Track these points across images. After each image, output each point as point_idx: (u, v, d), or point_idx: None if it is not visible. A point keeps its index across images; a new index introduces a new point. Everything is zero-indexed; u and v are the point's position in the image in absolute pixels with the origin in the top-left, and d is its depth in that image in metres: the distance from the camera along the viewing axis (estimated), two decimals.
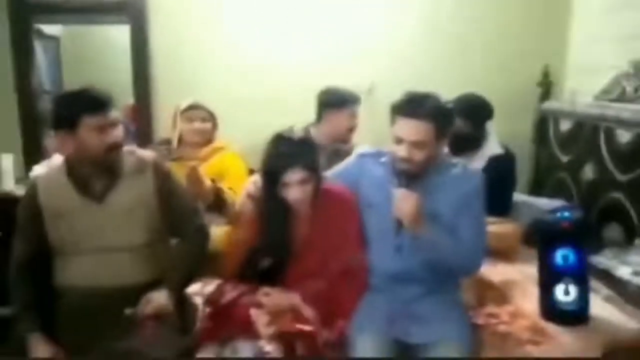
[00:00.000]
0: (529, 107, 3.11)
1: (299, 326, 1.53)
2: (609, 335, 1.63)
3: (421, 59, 3.05)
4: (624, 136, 2.35)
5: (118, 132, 1.60)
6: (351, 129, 2.59)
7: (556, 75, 3.05)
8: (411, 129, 1.59)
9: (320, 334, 1.53)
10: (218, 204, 2.12)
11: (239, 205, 1.84)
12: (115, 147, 1.60)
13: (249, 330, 1.54)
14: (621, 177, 2.36)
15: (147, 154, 1.77)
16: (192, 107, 2.44)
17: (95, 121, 1.54)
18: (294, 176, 1.62)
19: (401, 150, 1.62)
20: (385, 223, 1.66)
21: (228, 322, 1.59)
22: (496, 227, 2.30)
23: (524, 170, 2.95)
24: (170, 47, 3.01)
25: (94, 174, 1.63)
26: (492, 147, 2.53)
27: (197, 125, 2.43)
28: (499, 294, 1.94)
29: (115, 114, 1.60)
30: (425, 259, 1.65)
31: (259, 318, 1.54)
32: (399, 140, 1.62)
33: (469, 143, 2.50)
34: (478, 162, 2.51)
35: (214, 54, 3.03)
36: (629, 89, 2.40)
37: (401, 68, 3.01)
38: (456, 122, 2.46)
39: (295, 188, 1.63)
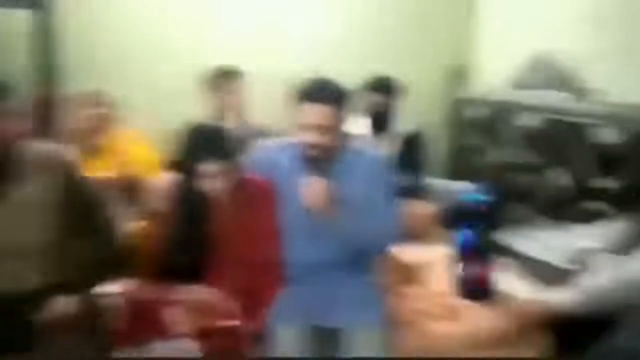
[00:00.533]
0: (444, 94, 3.22)
1: (219, 321, 1.50)
2: (515, 307, 1.73)
3: (337, 47, 3.07)
4: (532, 120, 2.50)
5: (14, 124, 1.47)
6: (228, 107, 2.53)
7: (469, 64, 3.18)
8: (317, 114, 1.61)
9: (242, 327, 1.51)
10: (132, 196, 2.03)
11: (152, 200, 1.76)
12: (10, 140, 1.47)
13: (167, 330, 1.49)
14: (528, 159, 2.52)
15: (50, 147, 1.64)
16: (88, 93, 2.35)
17: None
18: (209, 168, 1.57)
19: (309, 137, 1.63)
20: (298, 212, 1.67)
21: (145, 323, 1.52)
22: (412, 208, 2.38)
23: (438, 155, 3.07)
24: (80, 33, 2.82)
25: None
26: (404, 125, 2.61)
27: (95, 111, 2.33)
28: (414, 274, 2.01)
29: (9, 104, 1.46)
30: (339, 243, 1.67)
31: (178, 316, 1.49)
32: (305, 127, 1.63)
33: (388, 121, 2.58)
34: (393, 140, 2.59)
35: (127, 41, 2.87)
36: (534, 76, 2.55)
37: (317, 55, 3.01)
38: (374, 97, 2.56)
39: (211, 180, 1.59)
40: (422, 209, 2.41)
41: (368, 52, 3.05)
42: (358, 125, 2.65)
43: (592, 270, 1.80)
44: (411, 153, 2.59)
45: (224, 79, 2.54)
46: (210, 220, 1.67)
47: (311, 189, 1.60)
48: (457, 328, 1.72)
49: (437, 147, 3.02)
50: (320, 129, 1.62)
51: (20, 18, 2.75)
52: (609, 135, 2.02)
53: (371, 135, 2.61)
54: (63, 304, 1.48)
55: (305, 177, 1.63)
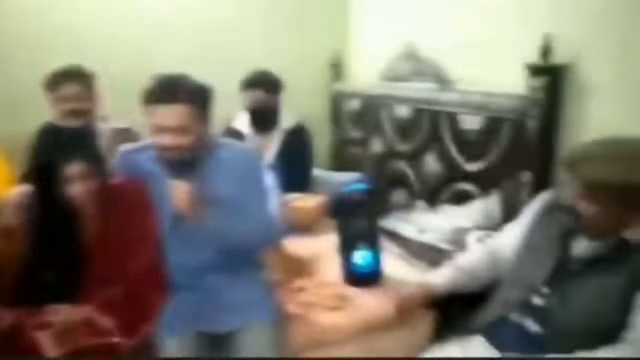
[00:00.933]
0: (322, 87, 3.28)
1: (96, 340, 1.38)
2: (400, 291, 1.80)
3: (215, 36, 2.98)
4: (403, 111, 2.62)
5: None
6: (71, 113, 2.12)
7: (344, 57, 3.26)
8: (170, 115, 1.50)
9: (122, 343, 1.40)
10: None
11: (3, 216, 1.56)
12: None
13: (37, 356, 1.33)
14: (402, 148, 2.65)
15: None
16: None
17: None
18: (73, 169, 1.45)
19: (165, 139, 1.53)
20: (167, 217, 1.59)
21: (11, 351, 1.35)
22: (299, 202, 2.40)
23: (321, 148, 3.12)
24: None
25: None
26: (286, 121, 2.62)
27: None
28: (304, 267, 2.03)
29: None
30: (215, 246, 1.61)
31: (46, 340, 1.34)
32: (160, 129, 1.53)
33: (271, 117, 2.56)
34: (278, 136, 2.58)
35: None
36: (404, 69, 2.67)
37: (185, 46, 2.90)
38: (254, 95, 2.52)
39: (76, 184, 1.46)
40: (308, 202, 2.43)
41: (242, 48, 3.00)
42: (241, 123, 2.61)
43: (466, 248, 1.93)
44: (296, 147, 2.60)
45: (64, 80, 2.16)
46: (78, 231, 1.53)
47: (174, 192, 1.52)
48: (345, 317, 1.75)
49: (320, 140, 3.06)
50: (175, 130, 1.51)
51: None
52: (470, 122, 2.18)
53: (254, 132, 2.57)
54: None
55: (167, 180, 1.54)
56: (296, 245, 2.09)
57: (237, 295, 1.62)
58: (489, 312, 1.48)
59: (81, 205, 1.50)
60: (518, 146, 1.96)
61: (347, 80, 3.24)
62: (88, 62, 2.28)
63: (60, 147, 1.45)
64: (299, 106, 2.81)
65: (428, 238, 2.16)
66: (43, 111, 2.10)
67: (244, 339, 1.53)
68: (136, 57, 2.76)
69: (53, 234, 1.50)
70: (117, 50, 2.76)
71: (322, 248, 2.16)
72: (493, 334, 1.45)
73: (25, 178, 1.54)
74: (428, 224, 2.24)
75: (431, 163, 2.44)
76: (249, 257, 1.73)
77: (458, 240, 2.03)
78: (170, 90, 1.50)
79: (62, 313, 1.42)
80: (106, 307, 1.46)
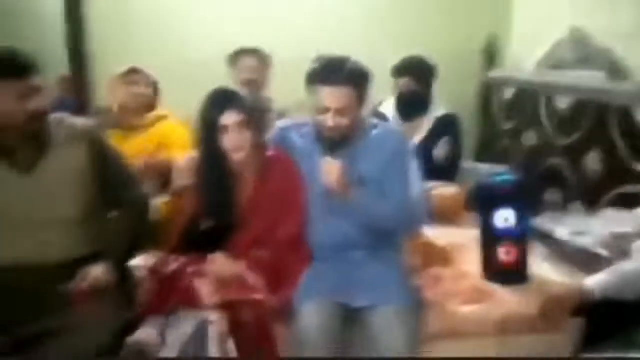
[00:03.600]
0: (474, 75, 3.15)
1: (245, 295, 1.50)
2: (546, 292, 1.69)
3: (365, 22, 3.02)
4: (566, 102, 2.42)
5: (42, 99, 1.49)
6: (245, 82, 2.57)
7: (500, 44, 3.09)
8: (334, 96, 1.57)
9: (267, 302, 1.51)
10: (162, 174, 2.06)
11: (179, 175, 1.78)
12: (39, 115, 1.49)
13: (193, 301, 1.49)
14: (561, 142, 2.44)
15: (80, 122, 1.67)
16: (132, 72, 2.35)
17: (14, 87, 1.43)
18: (230, 118, 1.58)
19: (328, 120, 1.60)
20: (316, 193, 1.66)
21: (171, 293, 1.53)
22: (441, 190, 2.35)
23: (468, 138, 3.01)
24: (108, 12, 2.87)
25: (20, 144, 1.52)
26: (437, 110, 2.56)
27: (137, 89, 2.34)
28: (442, 256, 1.99)
29: (38, 80, 1.49)
30: (359, 224, 1.65)
31: (203, 287, 1.50)
32: (324, 110, 1.60)
33: (417, 105, 2.53)
34: (426, 124, 2.54)
35: (153, 20, 2.91)
36: (568, 56, 2.46)
37: (343, 31, 2.97)
38: (402, 83, 2.51)
39: (232, 133, 1.59)
40: (452, 191, 2.37)
41: (398, 33, 2.99)
42: (388, 108, 2.62)
43: (628, 256, 1.74)
44: (445, 137, 2.54)
45: (243, 57, 2.62)
46: (236, 191, 1.67)
47: (327, 170, 1.58)
48: (484, 311, 1.69)
49: (468, 131, 2.95)
50: (338, 111, 1.58)
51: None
52: None
53: (399, 118, 2.57)
54: (95, 274, 1.51)
55: (321, 158, 1.61)
56: (437, 234, 2.06)
57: (375, 274, 1.64)
58: None
59: (236, 158, 1.62)
60: None
61: (502, 67, 3.06)
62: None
63: (219, 100, 1.60)
64: (450, 93, 2.73)
65: (584, 242, 1.98)
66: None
67: (378, 317, 1.55)
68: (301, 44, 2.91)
69: (214, 187, 1.65)
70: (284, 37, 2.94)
71: (463, 239, 2.10)
72: None
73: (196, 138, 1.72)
74: (585, 227, 2.05)
75: (594, 161, 2.22)
76: (389, 238, 1.75)
77: (618, 247, 1.83)
78: (335, 71, 1.57)
79: (219, 265, 1.57)
80: (255, 266, 1.58)
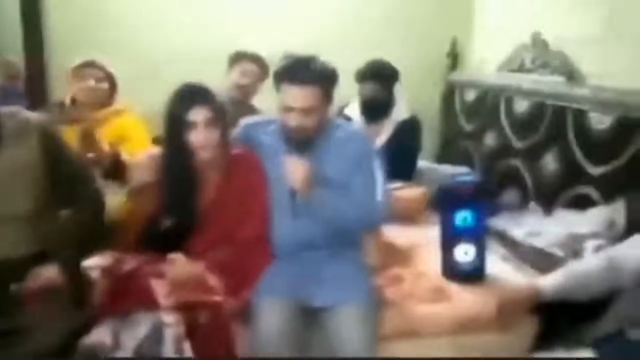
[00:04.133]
0: (438, 77, 3.19)
1: (202, 296, 1.47)
2: (503, 291, 1.73)
3: (330, 26, 3.02)
4: (524, 105, 2.47)
5: None
6: (239, 87, 2.58)
7: (463, 47, 3.14)
8: (299, 95, 1.56)
9: (225, 303, 1.49)
10: (116, 170, 1.99)
11: (137, 170, 1.73)
12: None
13: (149, 302, 1.45)
14: (518, 144, 2.50)
15: (33, 115, 1.60)
16: (87, 65, 2.24)
17: None
18: (199, 114, 1.54)
19: (292, 119, 1.59)
20: (280, 191, 1.65)
21: (127, 294, 1.49)
22: (404, 191, 2.37)
23: (430, 139, 3.05)
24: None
25: None
26: (400, 112, 2.58)
27: (90, 83, 2.24)
28: (403, 256, 2.01)
29: None
30: (322, 223, 1.65)
31: (159, 288, 1.46)
32: (288, 109, 1.59)
33: (380, 108, 2.55)
34: (388, 127, 2.56)
35: (118, 6, 2.81)
36: (528, 60, 2.52)
37: (306, 36, 2.95)
38: (366, 87, 2.52)
39: (200, 130, 1.55)
40: (412, 191, 2.39)
41: (359, 39, 3.00)
42: (353, 111, 2.62)
43: (581, 256, 1.79)
44: (405, 138, 2.57)
45: (245, 60, 2.59)
46: (199, 191, 1.65)
47: (291, 169, 1.57)
48: (442, 311, 1.71)
49: (431, 132, 2.99)
50: (303, 111, 1.57)
51: None
52: (597, 121, 2.00)
53: (364, 121, 2.58)
54: (47, 274, 1.46)
55: (286, 156, 1.60)
56: (396, 234, 2.07)
57: (334, 273, 1.64)
58: (603, 326, 1.37)
59: (203, 162, 1.59)
60: None
61: (464, 70, 3.11)
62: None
63: (188, 95, 1.56)
64: (412, 96, 2.76)
65: (539, 242, 2.03)
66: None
67: (337, 316, 1.55)
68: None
69: (176, 186, 1.62)
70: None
71: (422, 239, 2.12)
72: (606, 350, 1.33)
73: (158, 139, 1.68)
74: (540, 227, 2.10)
75: (550, 163, 2.28)
76: (350, 237, 1.75)
77: (573, 247, 1.88)
78: (302, 70, 1.55)
79: (177, 266, 1.54)
80: (215, 267, 1.56)
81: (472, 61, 3.10)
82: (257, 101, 2.67)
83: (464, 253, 1.85)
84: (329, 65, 1.62)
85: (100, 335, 1.41)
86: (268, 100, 2.21)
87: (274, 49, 2.55)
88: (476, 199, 1.88)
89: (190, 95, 1.56)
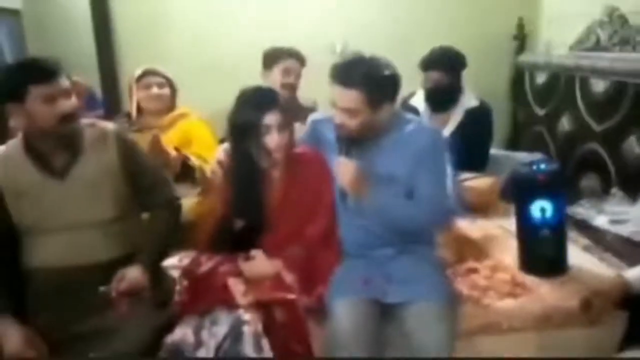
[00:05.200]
0: (505, 61, 3.07)
1: (278, 294, 1.50)
2: (586, 283, 1.64)
3: (394, 14, 2.97)
4: (598, 85, 2.33)
5: (70, 102, 1.51)
6: (286, 86, 2.49)
7: (531, 27, 3.00)
8: (340, 96, 1.56)
9: (300, 301, 1.50)
10: (185, 173, 2.07)
11: (209, 172, 1.79)
12: (68, 118, 1.51)
13: (227, 301, 1.50)
14: (597, 127, 2.36)
15: (108, 125, 1.69)
16: (147, 73, 2.33)
17: (43, 91, 1.45)
18: (272, 119, 1.57)
19: (337, 117, 1.60)
20: (339, 190, 1.64)
21: (206, 293, 1.55)
22: (474, 182, 2.30)
23: (500, 126, 2.94)
24: (134, 16, 2.91)
25: (53, 149, 1.54)
26: (468, 100, 2.51)
27: (154, 91, 2.32)
28: (478, 249, 1.95)
29: (66, 82, 1.50)
30: (380, 222, 1.62)
31: (237, 287, 1.50)
32: (334, 106, 1.59)
33: (447, 97, 2.48)
34: (456, 116, 2.49)
35: (177, 21, 2.93)
36: (604, 37, 2.37)
37: (373, 24, 2.93)
38: (433, 75, 2.46)
39: (274, 133, 1.58)
40: (484, 181, 2.32)
41: (427, 23, 2.93)
42: (419, 100, 2.57)
43: None
44: (475, 127, 2.48)
45: (285, 58, 2.52)
46: (266, 191, 1.67)
47: (340, 170, 1.57)
48: (521, 305, 1.65)
49: (500, 118, 2.88)
50: (344, 110, 1.56)
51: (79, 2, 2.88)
52: None
53: (430, 110, 2.52)
54: (132, 275, 1.52)
55: (338, 156, 1.59)
56: (470, 227, 2.02)
57: (406, 269, 1.62)
58: None
59: (274, 156, 1.62)
60: None
61: (533, 51, 2.97)
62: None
63: (261, 100, 1.60)
64: (482, 81, 2.67)
65: (625, 230, 1.92)
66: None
67: (412, 313, 1.52)
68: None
69: (244, 188, 1.65)
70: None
71: (496, 231, 2.05)
72: None
73: (226, 139, 1.72)
74: (625, 214, 1.99)
75: (634, 145, 2.13)
76: (419, 234, 1.71)
77: None
78: (345, 73, 1.55)
79: (257, 262, 1.58)
80: (289, 264, 1.58)
81: (541, 42, 2.95)
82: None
83: (543, 244, 1.77)
84: (378, 69, 1.56)
85: (183, 333, 1.47)
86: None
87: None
88: (553, 186, 1.78)
89: (263, 100, 1.60)
